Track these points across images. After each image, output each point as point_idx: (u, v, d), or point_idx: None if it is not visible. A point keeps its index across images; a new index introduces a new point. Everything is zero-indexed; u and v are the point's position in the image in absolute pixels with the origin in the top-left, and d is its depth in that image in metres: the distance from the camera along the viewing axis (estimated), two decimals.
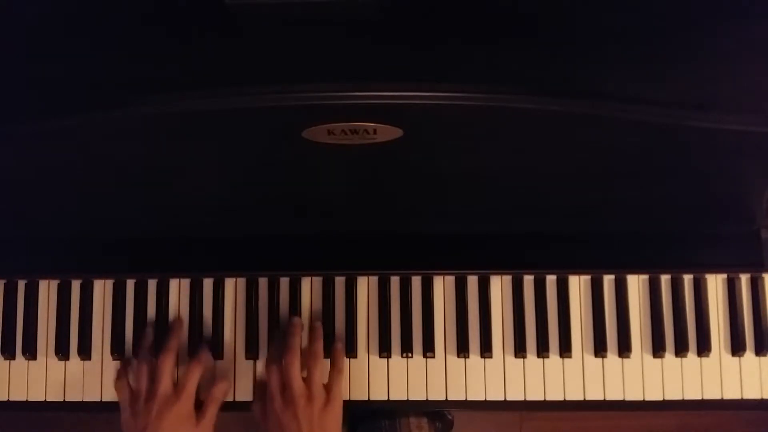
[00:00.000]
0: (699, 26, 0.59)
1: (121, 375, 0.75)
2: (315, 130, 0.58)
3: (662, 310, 0.77)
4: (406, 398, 0.77)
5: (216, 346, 0.78)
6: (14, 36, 0.60)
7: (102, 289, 0.79)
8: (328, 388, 0.72)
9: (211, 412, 0.73)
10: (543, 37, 0.58)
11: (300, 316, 0.78)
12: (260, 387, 0.76)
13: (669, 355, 0.77)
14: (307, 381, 0.71)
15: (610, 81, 0.57)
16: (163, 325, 0.78)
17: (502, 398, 0.77)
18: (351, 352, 0.77)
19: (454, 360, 0.77)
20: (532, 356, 0.77)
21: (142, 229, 0.76)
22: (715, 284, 0.78)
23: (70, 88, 0.58)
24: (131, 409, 0.72)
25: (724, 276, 0.78)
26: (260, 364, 0.77)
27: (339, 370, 0.74)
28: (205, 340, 0.78)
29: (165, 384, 0.71)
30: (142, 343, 0.76)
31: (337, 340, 0.76)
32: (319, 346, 0.74)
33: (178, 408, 0.70)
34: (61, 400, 0.78)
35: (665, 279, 0.78)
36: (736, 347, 0.77)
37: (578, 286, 0.78)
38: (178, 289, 0.79)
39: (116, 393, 0.75)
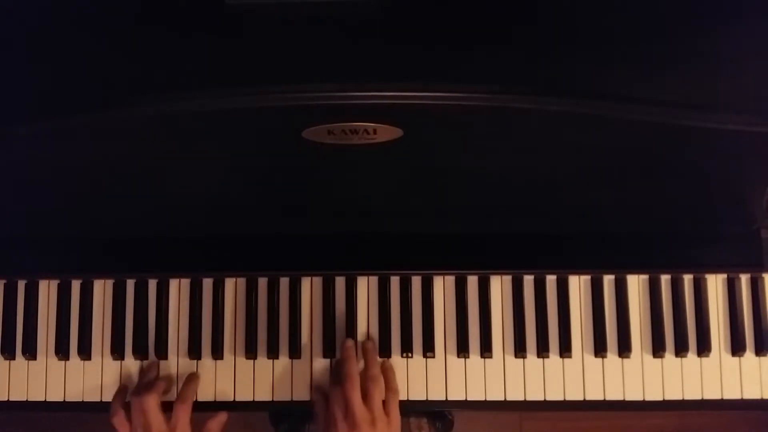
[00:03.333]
0: (699, 26, 0.59)
1: (116, 410, 0.75)
2: (315, 130, 0.58)
3: (662, 310, 0.77)
4: (406, 398, 0.77)
5: (216, 346, 0.78)
6: (14, 36, 0.60)
7: (102, 289, 0.79)
8: (387, 410, 0.73)
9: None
10: (543, 37, 0.58)
11: (300, 316, 0.78)
12: (321, 410, 0.75)
13: (669, 355, 0.77)
14: (368, 405, 0.71)
15: (610, 81, 0.57)
16: (163, 325, 0.78)
17: (502, 398, 0.77)
18: None
19: (454, 360, 0.77)
20: (532, 356, 0.77)
21: (142, 229, 0.76)
22: (715, 284, 0.78)
23: (70, 88, 0.58)
24: None
25: (724, 276, 0.78)
26: (259, 365, 0.78)
27: (394, 390, 0.75)
28: (204, 341, 0.78)
29: (156, 423, 0.71)
30: (139, 382, 0.77)
31: (386, 363, 0.77)
32: (377, 369, 0.74)
33: None
34: (61, 400, 0.79)
35: (665, 279, 0.78)
36: (736, 347, 0.77)
37: (578, 286, 0.78)
38: (178, 289, 0.79)
39: (116, 429, 0.75)
